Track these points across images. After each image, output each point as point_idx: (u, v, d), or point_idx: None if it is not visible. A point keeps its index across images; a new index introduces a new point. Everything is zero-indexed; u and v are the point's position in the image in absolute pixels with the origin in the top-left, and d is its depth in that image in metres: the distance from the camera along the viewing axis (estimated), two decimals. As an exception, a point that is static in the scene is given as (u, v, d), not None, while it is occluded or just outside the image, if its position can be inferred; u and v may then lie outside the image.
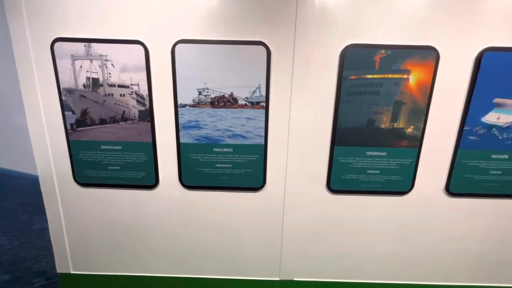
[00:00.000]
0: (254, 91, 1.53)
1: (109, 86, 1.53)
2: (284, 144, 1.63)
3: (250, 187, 1.71)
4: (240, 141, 1.61)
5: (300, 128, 1.60)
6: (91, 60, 1.47)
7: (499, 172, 1.65)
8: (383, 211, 1.75)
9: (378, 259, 1.86)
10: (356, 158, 1.64)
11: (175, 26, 1.45)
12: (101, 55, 1.47)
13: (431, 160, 1.65)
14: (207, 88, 1.53)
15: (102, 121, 1.59)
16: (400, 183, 1.69)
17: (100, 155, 1.65)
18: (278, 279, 1.91)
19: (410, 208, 1.74)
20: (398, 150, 1.63)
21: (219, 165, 1.66)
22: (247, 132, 1.60)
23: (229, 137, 1.61)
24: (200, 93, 1.54)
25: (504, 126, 1.57)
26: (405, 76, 1.50)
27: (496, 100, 1.53)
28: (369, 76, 1.51)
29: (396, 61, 1.48)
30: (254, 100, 1.55)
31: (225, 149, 1.63)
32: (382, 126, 1.58)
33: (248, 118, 1.58)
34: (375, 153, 1.63)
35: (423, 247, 1.82)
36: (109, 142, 1.62)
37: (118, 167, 1.67)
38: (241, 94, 1.54)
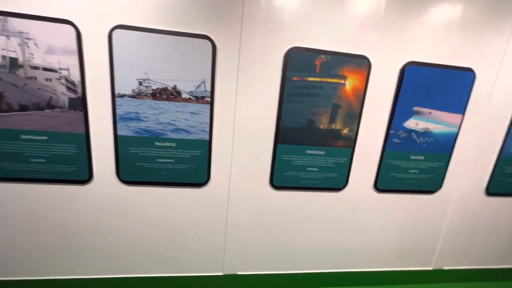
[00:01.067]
0: (199, 85, 1.51)
1: (31, 68, 1.35)
2: (229, 140, 1.64)
3: (194, 183, 1.68)
4: (183, 136, 1.58)
5: (245, 125, 1.63)
6: (7, 36, 1.29)
7: (417, 171, 1.90)
8: (320, 206, 1.88)
9: (316, 251, 1.99)
10: (298, 156, 1.73)
11: (114, 10, 1.34)
12: (21, 32, 1.29)
13: (362, 159, 1.82)
14: (149, 79, 1.46)
15: (23, 107, 1.40)
16: (336, 180, 1.83)
17: (20, 145, 1.46)
18: (221, 274, 1.93)
19: (344, 203, 1.91)
20: (335, 149, 1.76)
21: (161, 160, 1.60)
22: (191, 127, 1.57)
23: (172, 131, 1.56)
24: (140, 83, 1.46)
25: (421, 131, 1.81)
26: (342, 81, 1.63)
27: (415, 108, 1.75)
28: (310, 79, 1.60)
29: (334, 66, 1.60)
30: (199, 95, 1.53)
31: (168, 144, 1.58)
32: (321, 126, 1.69)
33: (192, 113, 1.55)
34: (315, 152, 1.74)
35: (354, 238, 2.01)
36: (32, 131, 1.44)
37: (43, 160, 1.50)
38: (185, 88, 1.50)
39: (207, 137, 1.60)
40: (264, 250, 1.92)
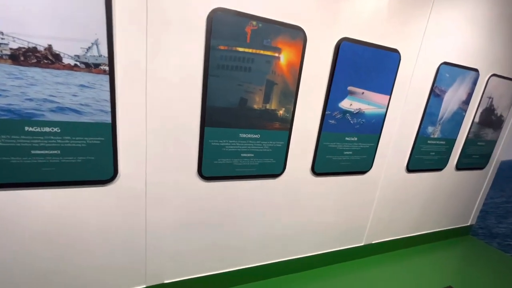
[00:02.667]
0: (89, 47, 1.11)
1: None
2: (141, 123, 1.29)
3: (95, 180, 1.29)
4: (71, 118, 1.16)
5: (162, 104, 1.30)
6: None
7: (351, 153, 1.90)
8: (257, 195, 1.71)
9: (254, 243, 1.84)
10: (230, 141, 1.50)
11: None
12: None
13: (300, 142, 1.71)
14: (2, 33, 0.99)
15: None
16: (273, 166, 1.68)
17: None
18: (144, 286, 1.60)
19: (283, 190, 1.78)
20: (271, 132, 1.59)
21: (37, 152, 1.15)
22: (83, 105, 1.16)
23: (53, 111, 1.13)
24: (-13, 38, 0.98)
25: (354, 112, 1.79)
26: (276, 55, 1.44)
27: (349, 88, 1.71)
28: (241, 49, 1.36)
29: (267, 36, 1.39)
30: (91, 61, 1.12)
31: (47, 129, 1.13)
32: (255, 106, 1.49)
33: (83, 86, 1.14)
34: (249, 135, 1.54)
35: (295, 225, 1.93)
36: None
37: None
38: (68, 50, 1.08)
39: (108, 119, 1.21)
40: (195, 251, 1.66)
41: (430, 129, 2.17)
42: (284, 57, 1.46)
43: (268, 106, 1.52)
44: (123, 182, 1.34)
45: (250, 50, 1.38)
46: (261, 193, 1.71)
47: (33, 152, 1.14)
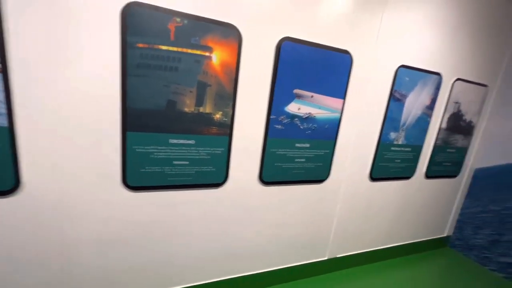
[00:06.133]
0: (-25, 42, 0.99)
1: None
2: (49, 126, 1.16)
3: (-7, 190, 1.15)
4: (-43, 121, 1.03)
5: (75, 104, 1.18)
6: None
7: (303, 160, 1.78)
8: (198, 207, 1.57)
9: (198, 260, 1.68)
10: (158, 147, 1.38)
11: None
12: None
13: (243, 149, 1.59)
14: None
15: None
16: (213, 174, 1.55)
17: None
18: (65, 309, 1.43)
19: (228, 201, 1.65)
20: (208, 137, 1.47)
21: None
22: (-29, 106, 1.04)
23: None
24: None
25: (304, 117, 1.68)
26: (207, 54, 1.34)
27: (295, 91, 1.60)
28: (164, 48, 1.25)
29: (195, 34, 1.29)
30: (-22, 57, 1.01)
31: None
32: (186, 109, 1.37)
33: (-30, 85, 1.02)
34: (182, 141, 1.41)
35: (243, 238, 1.78)
36: None
37: None
38: None
39: (4, 122, 1.09)
40: (118, 272, 1.49)
41: (392, 135, 2.06)
42: (217, 57, 1.36)
43: (202, 110, 1.41)
44: (28, 194, 1.20)
45: (175, 49, 1.27)
46: (202, 204, 1.57)
47: None
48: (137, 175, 1.37)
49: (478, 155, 2.63)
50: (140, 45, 1.21)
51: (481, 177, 2.67)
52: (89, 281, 1.43)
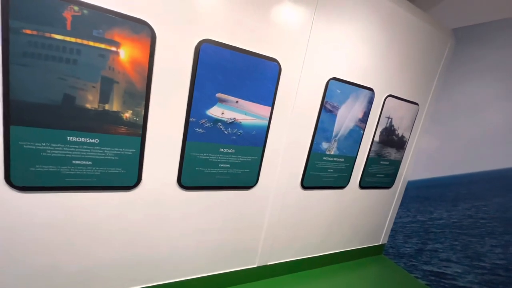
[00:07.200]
0: None
1: None
2: None
3: None
4: None
5: None
6: None
7: (228, 165, 1.75)
8: (103, 211, 1.46)
9: (101, 270, 1.57)
10: (54, 145, 1.26)
11: None
12: None
13: (159, 151, 1.51)
14: None
15: None
16: (123, 176, 1.45)
17: None
18: None
19: (141, 205, 1.56)
20: (116, 137, 1.38)
21: None
22: None
23: None
24: None
25: (228, 122, 1.65)
26: (113, 49, 1.26)
27: (218, 95, 1.57)
28: (58, 37, 1.15)
29: (98, 26, 1.20)
30: None
31: None
32: (89, 106, 1.28)
33: None
34: (83, 139, 1.31)
35: (161, 244, 1.70)
36: None
37: None
38: None
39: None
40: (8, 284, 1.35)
41: (325, 145, 2.11)
42: (126, 53, 1.28)
43: (108, 107, 1.32)
44: None
45: (73, 40, 1.18)
46: (110, 209, 1.47)
47: None
48: (25, 174, 1.24)
49: (410, 168, 2.79)
50: (28, 31, 1.10)
51: (411, 188, 2.83)
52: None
